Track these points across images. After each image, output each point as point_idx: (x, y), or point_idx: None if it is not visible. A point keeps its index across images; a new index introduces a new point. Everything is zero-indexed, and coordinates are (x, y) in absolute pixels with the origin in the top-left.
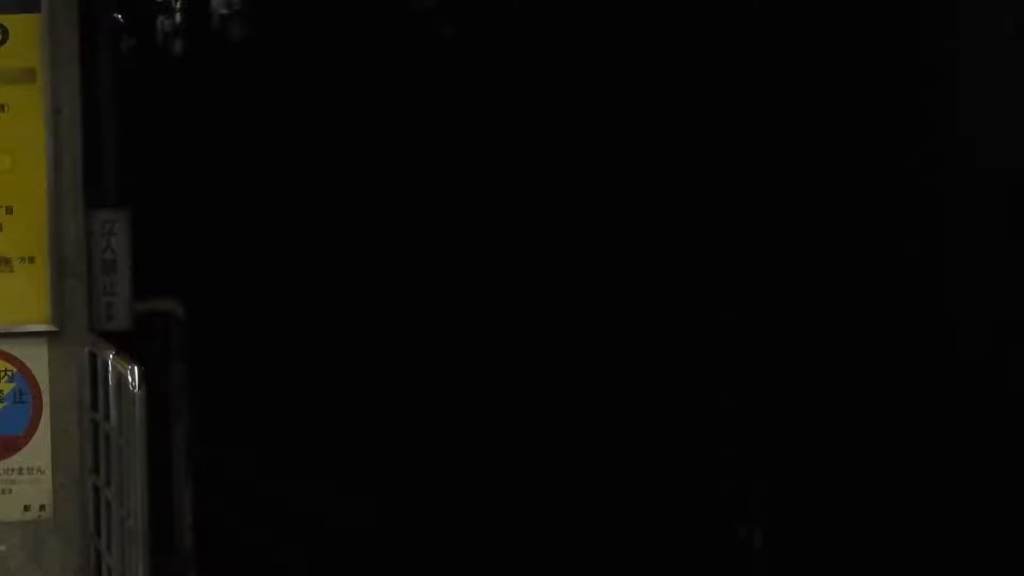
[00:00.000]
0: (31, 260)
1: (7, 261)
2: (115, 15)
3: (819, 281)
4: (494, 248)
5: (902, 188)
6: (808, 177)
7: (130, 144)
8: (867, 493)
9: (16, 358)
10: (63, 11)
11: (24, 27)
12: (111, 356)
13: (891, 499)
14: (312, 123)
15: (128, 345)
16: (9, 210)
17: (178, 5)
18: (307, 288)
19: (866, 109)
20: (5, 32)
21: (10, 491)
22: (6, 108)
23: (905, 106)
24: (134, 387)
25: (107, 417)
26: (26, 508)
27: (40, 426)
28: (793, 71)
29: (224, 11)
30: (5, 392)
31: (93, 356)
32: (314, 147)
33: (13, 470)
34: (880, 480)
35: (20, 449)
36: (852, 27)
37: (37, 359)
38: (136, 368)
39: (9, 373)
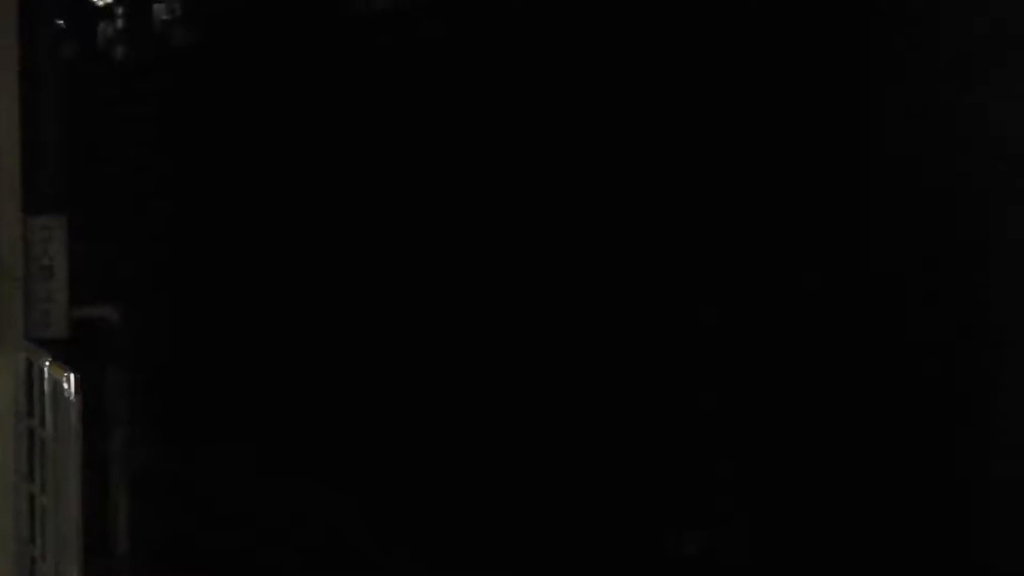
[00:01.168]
0: None
1: None
2: (56, 21)
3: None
4: (436, 249)
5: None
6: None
7: (70, 150)
8: (811, 500)
9: None
10: (1, 17)
11: None
12: (47, 363)
13: (837, 504)
14: (253, 128)
15: (65, 352)
16: None
17: (120, 11)
18: (246, 290)
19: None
20: None
21: None
22: None
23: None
24: (69, 394)
25: (43, 424)
26: None
27: None
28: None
29: (167, 16)
30: None
31: (29, 363)
32: (255, 151)
33: None
34: (822, 484)
35: None
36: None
37: None
38: (72, 375)
39: None
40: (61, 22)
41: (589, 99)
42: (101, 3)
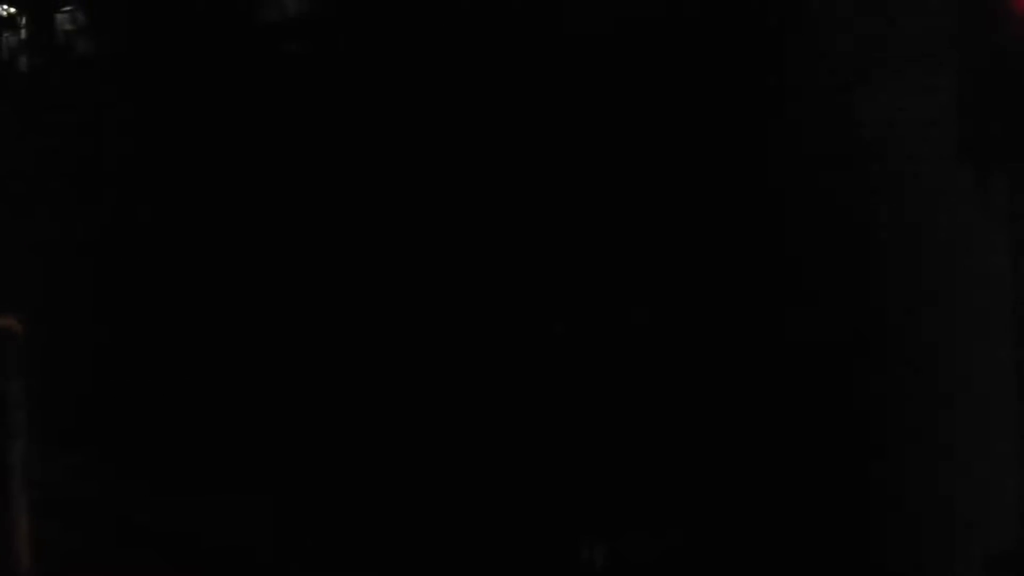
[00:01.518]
0: None
1: None
2: None
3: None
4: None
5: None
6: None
7: None
8: (715, 509)
9: None
10: None
11: None
12: None
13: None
14: (157, 138)
15: None
16: None
17: (23, 21)
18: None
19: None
20: None
21: None
22: None
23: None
24: None
25: None
26: None
27: None
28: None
29: (69, 27)
30: None
31: None
32: (161, 161)
33: None
34: (726, 493)
35: None
36: None
37: None
38: None
39: None
40: None
41: None
42: (4, 13)
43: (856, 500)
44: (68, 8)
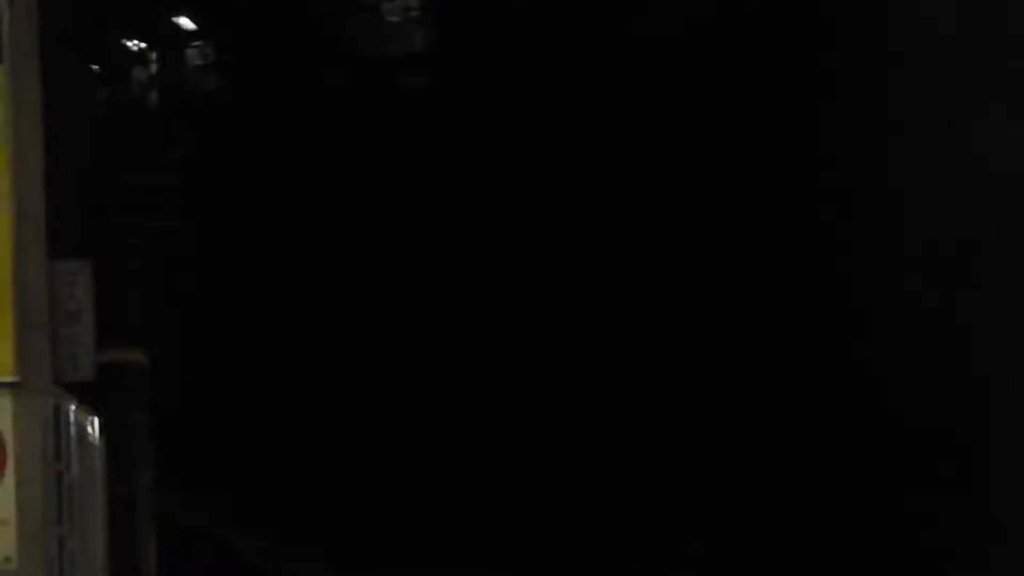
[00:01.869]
0: None
1: None
2: (86, 66)
3: None
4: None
5: None
6: None
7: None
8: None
9: None
10: (26, 63)
11: None
12: (73, 407)
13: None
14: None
15: (92, 396)
16: None
17: (154, 56)
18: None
19: None
20: None
21: None
22: None
23: None
24: (94, 438)
25: (69, 468)
26: None
27: (4, 477)
28: None
29: (199, 62)
30: None
31: (57, 407)
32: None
33: None
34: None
35: None
36: None
37: (0, 410)
38: (96, 419)
39: None
40: (90, 69)
41: None
42: (135, 49)
43: None
44: (198, 44)
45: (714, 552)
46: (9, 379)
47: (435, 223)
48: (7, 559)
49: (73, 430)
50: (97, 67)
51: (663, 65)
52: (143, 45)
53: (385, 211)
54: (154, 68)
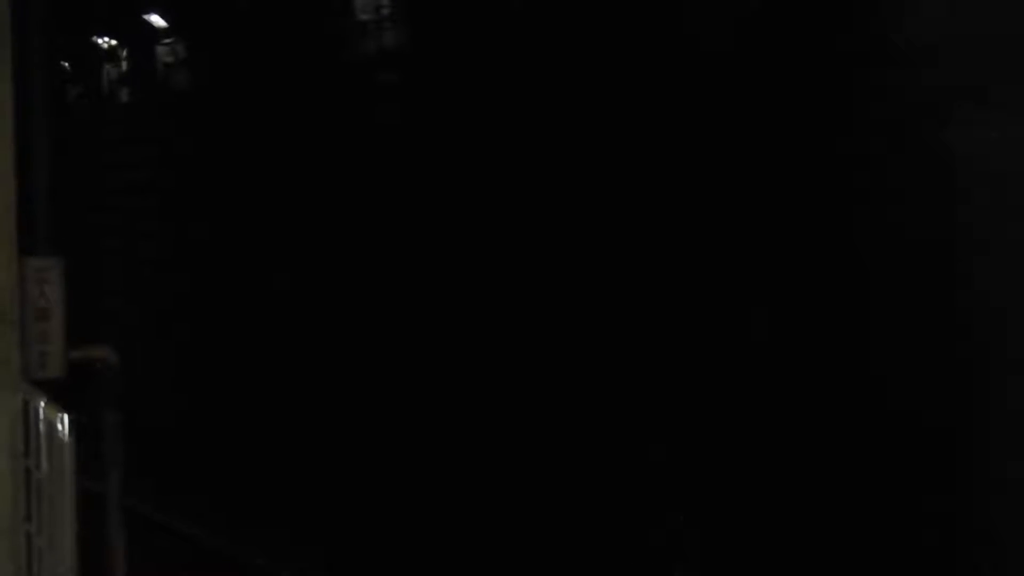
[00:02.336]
0: None
1: None
2: (55, 65)
3: None
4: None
5: None
6: None
7: (64, 193)
8: None
9: None
10: None
11: None
12: (42, 404)
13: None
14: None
15: (62, 393)
16: None
17: (124, 53)
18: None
19: None
20: None
21: None
22: None
23: None
24: (64, 435)
25: (38, 465)
26: None
27: None
28: None
29: (173, 60)
30: None
31: (26, 404)
32: (252, 198)
33: None
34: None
35: None
36: None
37: None
38: (66, 416)
39: None
40: (61, 66)
41: None
42: (108, 46)
43: None
44: (168, 41)
45: (714, 552)
46: None
47: (409, 220)
48: None
49: (42, 427)
50: (70, 64)
51: (635, 59)
52: (115, 43)
53: (360, 209)
54: (125, 66)
